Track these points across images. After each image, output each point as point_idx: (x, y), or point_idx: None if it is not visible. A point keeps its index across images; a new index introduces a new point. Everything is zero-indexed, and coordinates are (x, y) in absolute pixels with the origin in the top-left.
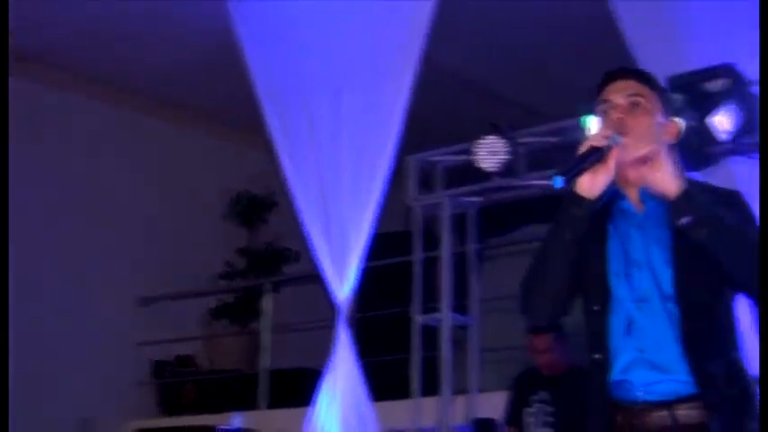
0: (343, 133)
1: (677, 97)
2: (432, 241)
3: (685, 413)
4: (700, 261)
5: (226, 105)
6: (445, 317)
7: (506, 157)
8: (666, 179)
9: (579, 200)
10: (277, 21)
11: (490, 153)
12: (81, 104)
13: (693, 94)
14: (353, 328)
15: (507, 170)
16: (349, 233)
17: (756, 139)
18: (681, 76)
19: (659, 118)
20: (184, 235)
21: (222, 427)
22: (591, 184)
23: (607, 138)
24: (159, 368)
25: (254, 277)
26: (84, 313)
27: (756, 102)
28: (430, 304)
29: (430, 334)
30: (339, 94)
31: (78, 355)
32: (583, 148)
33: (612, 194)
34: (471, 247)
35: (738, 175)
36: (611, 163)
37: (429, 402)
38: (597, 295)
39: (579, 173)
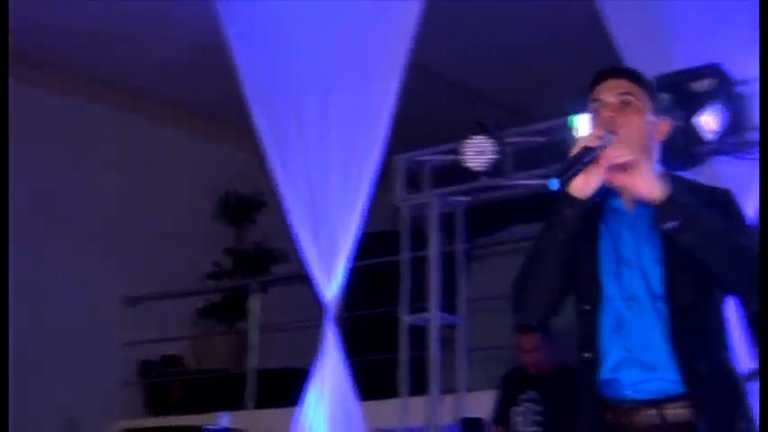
0: (331, 133)
1: (664, 97)
2: (420, 241)
3: (673, 412)
4: (689, 261)
5: (214, 105)
6: (433, 316)
7: (494, 156)
8: (649, 185)
9: (572, 200)
10: (265, 21)
11: (477, 153)
12: (67, 103)
13: (680, 93)
14: (341, 327)
15: (495, 170)
16: (337, 233)
17: (743, 138)
18: (667, 76)
19: (650, 116)
20: (172, 235)
21: (209, 427)
22: (583, 185)
23: (600, 138)
24: (146, 368)
25: (242, 277)
26: (71, 313)
27: (742, 101)
28: (418, 304)
29: (418, 333)
30: (327, 95)
31: (65, 354)
32: (576, 149)
33: (604, 193)
34: (459, 246)
35: (724, 174)
36: (604, 163)
37: (417, 402)
38: (588, 294)
39: (575, 174)
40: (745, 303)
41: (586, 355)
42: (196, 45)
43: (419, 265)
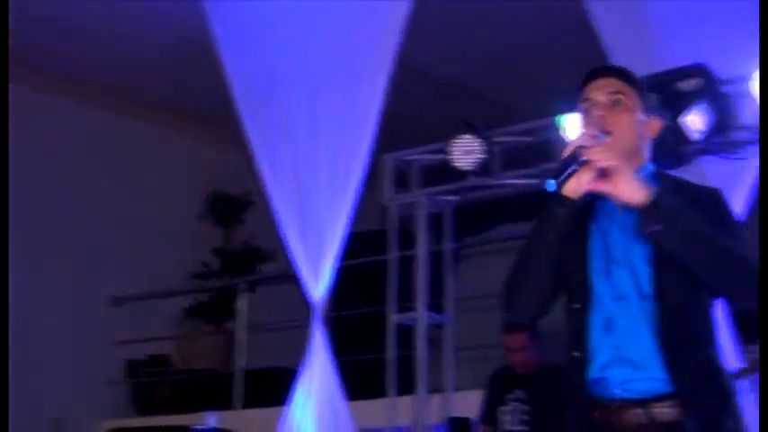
0: (319, 132)
1: (651, 97)
2: (407, 240)
3: (661, 411)
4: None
5: (201, 105)
6: (421, 316)
7: (482, 156)
8: (630, 190)
9: (564, 199)
10: (253, 21)
11: (465, 152)
12: (53, 102)
13: (666, 93)
14: (329, 327)
15: (483, 169)
16: (325, 232)
17: (729, 138)
18: (654, 76)
19: (640, 115)
20: (160, 234)
21: (197, 426)
22: (576, 184)
23: (594, 137)
24: (133, 368)
25: (230, 277)
26: (58, 312)
27: (728, 101)
28: (405, 303)
29: (405, 333)
30: (315, 94)
31: (51, 354)
32: (570, 149)
33: (595, 192)
34: (447, 246)
35: (710, 174)
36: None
37: (404, 401)
38: (579, 293)
39: (571, 174)
40: (731, 303)
41: (576, 353)
42: (184, 45)
43: (407, 264)
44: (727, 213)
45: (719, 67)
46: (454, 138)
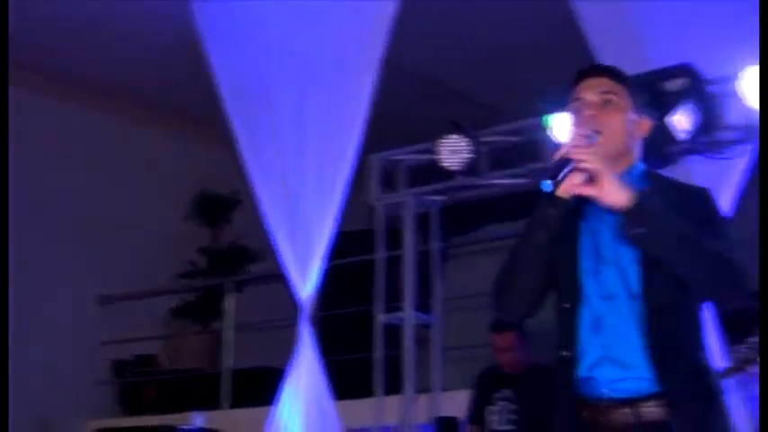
0: (306, 132)
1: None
2: (395, 240)
3: (648, 410)
4: None
5: (188, 104)
6: (408, 315)
7: (469, 155)
8: (614, 193)
9: (556, 200)
10: (241, 21)
11: (453, 152)
12: (39, 102)
13: (653, 93)
14: (316, 326)
15: (470, 169)
16: (312, 232)
17: (714, 137)
18: (640, 76)
19: (631, 114)
20: (146, 234)
21: (184, 426)
22: (568, 185)
23: (587, 137)
24: (120, 368)
25: (217, 276)
26: (44, 312)
27: (714, 101)
28: (393, 303)
29: (393, 333)
30: (303, 94)
31: (37, 354)
32: (564, 149)
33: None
34: (434, 245)
35: (696, 173)
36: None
37: (392, 401)
38: (568, 293)
39: (567, 175)
40: (717, 305)
41: (565, 353)
42: (172, 44)
43: (394, 264)
44: (715, 214)
45: (705, 67)
46: (441, 137)
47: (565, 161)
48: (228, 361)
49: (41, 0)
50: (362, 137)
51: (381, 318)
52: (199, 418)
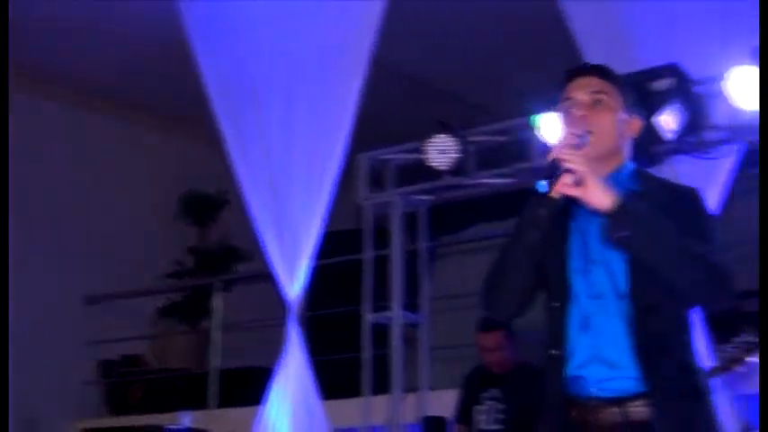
0: (294, 132)
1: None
2: (383, 239)
3: (636, 410)
4: None
5: (175, 103)
6: (396, 315)
7: (456, 155)
8: (599, 196)
9: (547, 200)
10: (228, 20)
11: (440, 151)
12: (25, 101)
13: (639, 93)
14: (304, 326)
15: (457, 169)
16: (300, 231)
17: (701, 137)
18: (627, 76)
19: (622, 114)
20: (134, 233)
21: (171, 426)
22: (559, 186)
23: (580, 136)
24: (107, 367)
25: (205, 276)
26: (31, 311)
27: (700, 101)
28: (381, 302)
29: (381, 332)
30: (290, 93)
31: (24, 353)
32: (557, 150)
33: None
34: (422, 245)
35: (682, 173)
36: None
37: (380, 401)
38: (558, 292)
39: (562, 174)
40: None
41: (554, 351)
42: (158, 44)
43: (382, 263)
44: (702, 215)
45: (692, 68)
46: (429, 137)
47: (559, 162)
48: (216, 361)
49: (30, 1)
50: (350, 136)
51: (369, 317)
52: (186, 418)
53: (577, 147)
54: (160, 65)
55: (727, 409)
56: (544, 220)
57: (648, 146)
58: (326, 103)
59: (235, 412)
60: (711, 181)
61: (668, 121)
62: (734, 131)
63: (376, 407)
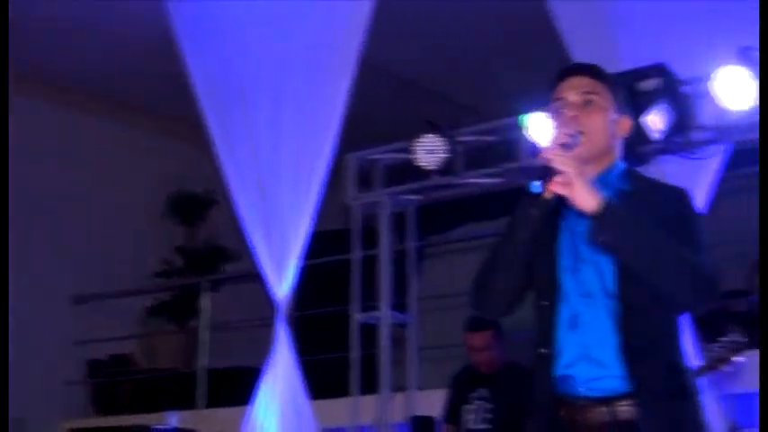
0: (282, 131)
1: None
2: (371, 239)
3: (623, 409)
4: None
5: (164, 103)
6: (384, 315)
7: (445, 155)
8: (584, 198)
9: (538, 200)
10: (216, 20)
11: (429, 151)
12: (10, 99)
13: (627, 93)
14: (293, 326)
15: (446, 168)
16: (288, 231)
17: (688, 137)
18: (615, 76)
19: (613, 114)
20: (122, 233)
21: (158, 426)
22: (552, 185)
23: (572, 136)
24: (94, 367)
25: (193, 275)
26: (18, 311)
27: (687, 101)
28: (369, 302)
29: (369, 332)
30: (278, 93)
31: (12, 353)
32: (550, 149)
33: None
34: (410, 245)
35: (669, 173)
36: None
37: (368, 400)
38: (548, 291)
39: (555, 174)
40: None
41: (543, 350)
42: (146, 43)
43: (370, 263)
44: (691, 216)
45: (679, 68)
46: (417, 137)
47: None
48: (204, 360)
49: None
50: (338, 136)
51: (357, 317)
52: (173, 418)
53: (569, 147)
54: (149, 65)
55: (714, 409)
56: (535, 219)
57: (635, 146)
58: (315, 103)
59: (223, 412)
60: (698, 181)
61: (655, 121)
62: (720, 131)
63: (364, 407)
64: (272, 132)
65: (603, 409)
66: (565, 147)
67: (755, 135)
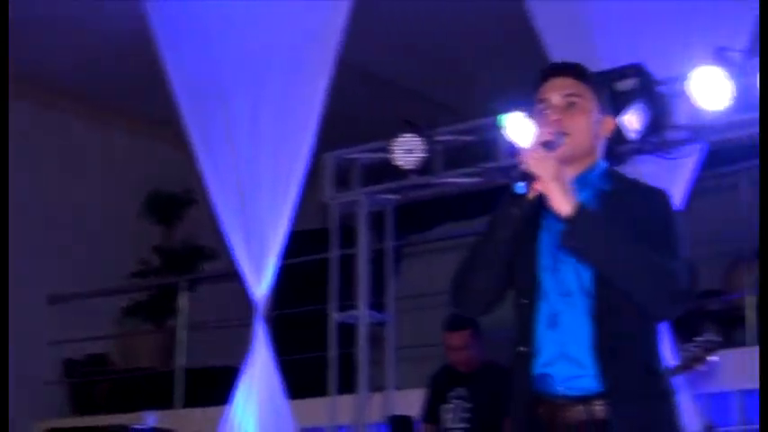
0: (260, 131)
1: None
2: (349, 239)
3: (601, 408)
4: None
5: (142, 103)
6: (362, 314)
7: (423, 154)
8: (559, 201)
9: (519, 199)
10: (194, 21)
11: (407, 151)
12: None
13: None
14: (271, 325)
15: (424, 168)
16: (266, 231)
17: (664, 137)
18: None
19: (596, 114)
20: (99, 232)
21: (136, 426)
22: (535, 185)
23: (555, 135)
24: (71, 367)
25: (170, 275)
26: None
27: (664, 101)
28: (347, 302)
29: (347, 331)
30: (256, 93)
31: None
32: (531, 149)
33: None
34: (389, 244)
35: (645, 173)
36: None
37: (346, 400)
38: (528, 289)
39: (531, 178)
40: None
41: (522, 348)
42: (123, 43)
43: (348, 263)
44: (669, 218)
45: (655, 68)
46: (395, 136)
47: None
48: (182, 360)
49: None
50: (316, 136)
51: (335, 316)
52: (151, 418)
53: (551, 146)
54: (127, 65)
55: (690, 408)
56: (516, 219)
57: (612, 145)
58: (293, 103)
59: (201, 412)
60: (673, 180)
61: (632, 120)
62: (696, 131)
63: (342, 406)
64: (250, 132)
65: (581, 407)
66: (547, 146)
67: (731, 135)
